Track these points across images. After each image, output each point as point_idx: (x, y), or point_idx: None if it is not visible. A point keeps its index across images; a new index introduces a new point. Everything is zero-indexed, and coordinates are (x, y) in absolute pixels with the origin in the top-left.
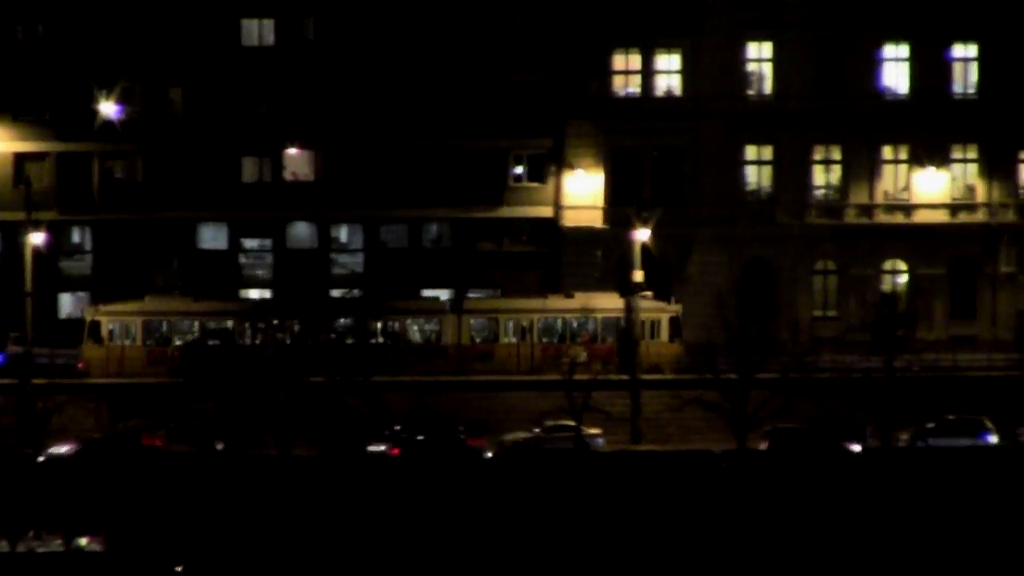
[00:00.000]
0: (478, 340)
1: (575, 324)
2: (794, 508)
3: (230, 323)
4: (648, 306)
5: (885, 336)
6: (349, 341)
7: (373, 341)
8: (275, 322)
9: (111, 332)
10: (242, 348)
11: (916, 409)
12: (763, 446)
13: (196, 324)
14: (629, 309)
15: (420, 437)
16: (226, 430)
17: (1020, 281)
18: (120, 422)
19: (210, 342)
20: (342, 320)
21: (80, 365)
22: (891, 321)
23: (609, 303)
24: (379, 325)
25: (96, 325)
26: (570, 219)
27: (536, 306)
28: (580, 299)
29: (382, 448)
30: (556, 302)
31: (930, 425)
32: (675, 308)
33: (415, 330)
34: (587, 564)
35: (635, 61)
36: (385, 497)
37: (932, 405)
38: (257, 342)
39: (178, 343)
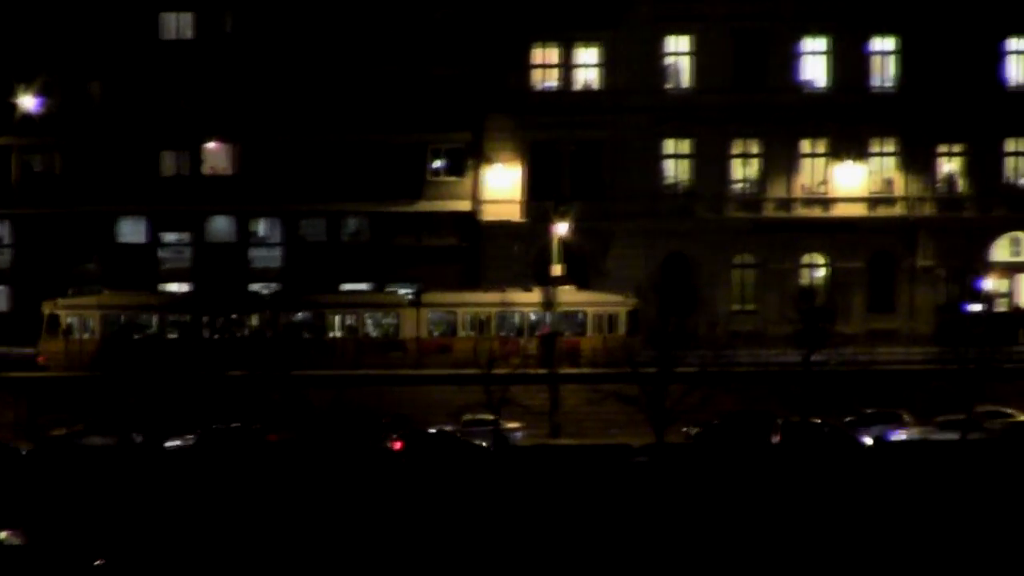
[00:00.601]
0: (436, 334)
1: (533, 318)
2: (714, 501)
3: (189, 317)
4: (605, 299)
5: (804, 330)
6: (306, 335)
7: (331, 335)
8: (234, 316)
9: (69, 326)
10: (165, 342)
11: (835, 403)
12: (776, 439)
13: (155, 318)
14: (548, 303)
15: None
16: (145, 423)
17: (938, 275)
18: (40, 416)
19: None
20: (301, 314)
21: (41, 359)
22: (810, 315)
23: (569, 297)
24: (336, 319)
25: (55, 319)
26: (489, 213)
27: (494, 300)
28: (538, 293)
29: (178, 443)
30: (513, 296)
31: (848, 419)
32: (633, 302)
33: (371, 324)
34: (500, 558)
35: (554, 55)
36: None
37: (851, 399)
38: (214, 336)
39: (137, 337)
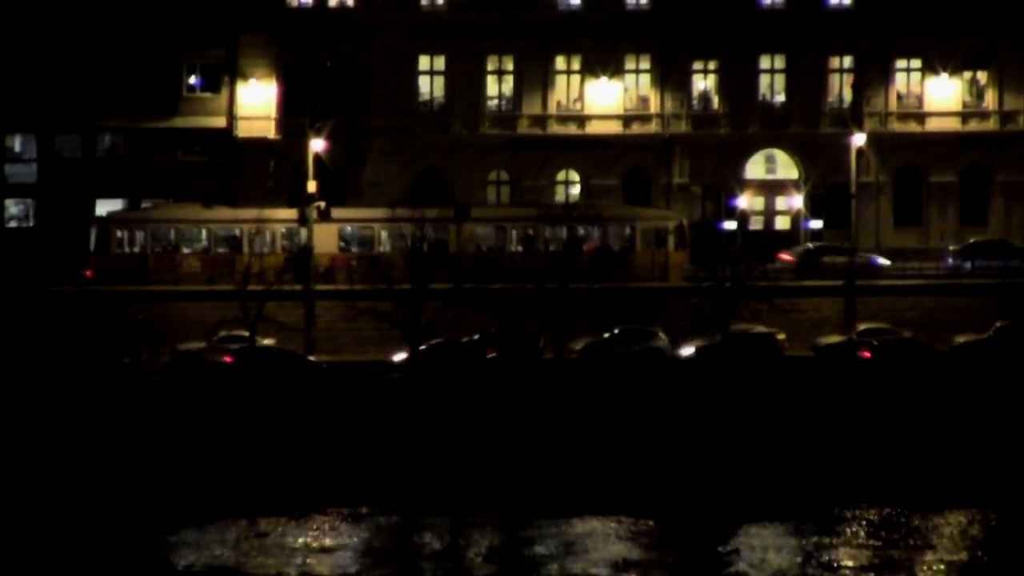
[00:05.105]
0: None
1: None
2: (473, 413)
3: None
4: (652, 215)
5: (563, 251)
6: None
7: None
8: None
9: None
10: None
11: (590, 320)
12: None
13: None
14: (303, 219)
15: None
16: None
17: (693, 192)
18: None
19: None
20: None
21: None
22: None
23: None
24: None
25: None
26: (244, 130)
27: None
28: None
29: None
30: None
31: (605, 335)
32: (680, 217)
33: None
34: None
35: None
36: None
37: (606, 316)
38: None
39: None
